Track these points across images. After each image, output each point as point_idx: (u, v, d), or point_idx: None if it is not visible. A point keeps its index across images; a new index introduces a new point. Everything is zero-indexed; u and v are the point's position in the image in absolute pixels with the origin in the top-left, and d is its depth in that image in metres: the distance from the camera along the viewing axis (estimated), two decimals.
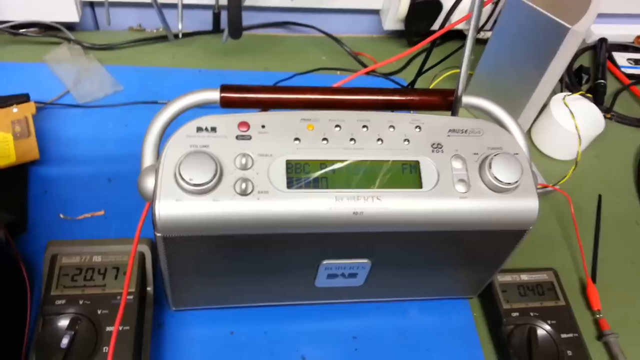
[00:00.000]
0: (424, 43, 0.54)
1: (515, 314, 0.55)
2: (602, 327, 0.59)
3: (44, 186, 0.60)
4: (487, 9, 0.83)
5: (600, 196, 0.72)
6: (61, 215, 0.58)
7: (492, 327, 0.57)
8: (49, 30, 0.75)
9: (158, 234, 0.40)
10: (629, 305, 0.62)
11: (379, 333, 0.55)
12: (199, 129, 0.42)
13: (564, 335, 0.55)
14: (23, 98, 0.61)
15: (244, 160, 0.41)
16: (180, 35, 0.77)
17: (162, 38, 0.78)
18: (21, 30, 0.73)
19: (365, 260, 0.47)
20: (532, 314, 0.55)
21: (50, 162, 0.61)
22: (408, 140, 0.44)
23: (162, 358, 0.49)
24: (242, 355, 0.51)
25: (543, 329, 0.55)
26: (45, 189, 0.60)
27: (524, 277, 0.59)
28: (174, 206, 0.39)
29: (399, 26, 0.82)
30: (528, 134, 0.78)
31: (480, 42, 0.78)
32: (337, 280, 0.49)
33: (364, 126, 0.44)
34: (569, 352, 0.54)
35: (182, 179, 0.39)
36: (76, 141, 0.64)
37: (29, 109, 0.60)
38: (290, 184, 0.41)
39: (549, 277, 0.59)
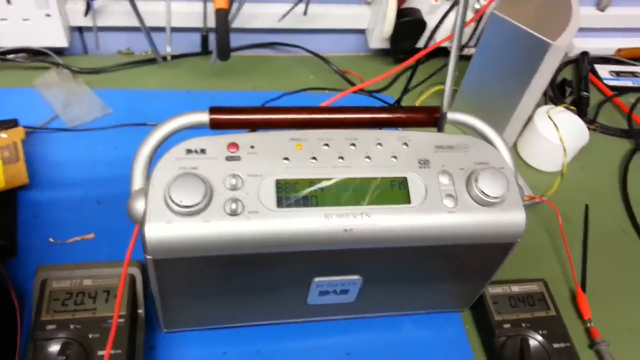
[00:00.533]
0: (409, 62, 0.55)
1: (507, 325, 0.56)
2: (593, 336, 0.59)
3: (34, 210, 0.60)
4: (471, 26, 0.84)
5: (587, 206, 0.73)
6: (51, 240, 0.57)
7: (485, 339, 0.57)
8: (37, 56, 0.75)
9: (148, 257, 0.40)
10: (619, 314, 0.63)
11: (372, 349, 0.55)
12: (189, 151, 0.42)
13: (555, 345, 0.55)
14: (12, 123, 0.61)
15: (233, 181, 0.41)
16: (168, 58, 0.78)
17: (150, 61, 0.79)
18: (10, 56, 0.73)
19: (356, 277, 0.47)
20: (523, 324, 0.56)
21: (39, 187, 0.61)
22: (396, 157, 0.45)
23: None
24: None
25: (535, 340, 0.55)
26: (35, 214, 0.59)
27: (515, 288, 0.59)
28: (164, 228, 0.39)
29: (385, 44, 0.84)
30: (514, 147, 0.80)
31: (464, 59, 0.80)
32: (329, 297, 0.49)
33: (352, 144, 0.45)
34: None
35: (172, 201, 0.39)
36: (65, 165, 0.64)
37: (17, 134, 0.60)
38: (280, 203, 0.41)
39: (539, 288, 0.60)
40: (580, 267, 0.66)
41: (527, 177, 0.75)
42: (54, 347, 0.44)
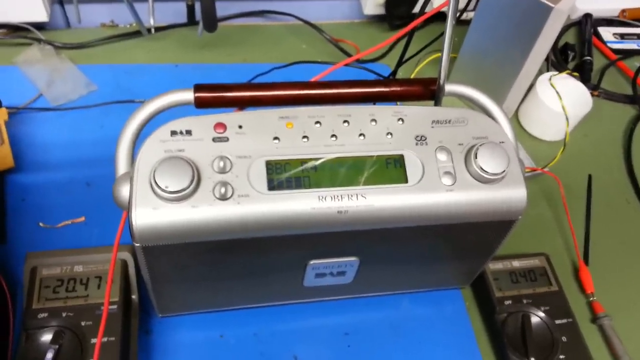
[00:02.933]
0: (405, 30, 0.52)
1: (508, 302, 0.55)
2: (596, 310, 0.58)
3: (22, 194, 0.58)
4: None
5: (590, 176, 0.72)
6: (41, 224, 0.56)
7: (485, 316, 0.57)
8: (18, 31, 0.72)
9: (136, 244, 0.39)
10: (622, 287, 0.62)
11: (371, 328, 0.54)
12: (173, 133, 0.40)
13: (558, 321, 0.54)
14: None
15: (222, 163, 0.40)
16: (153, 30, 0.75)
17: (135, 33, 0.75)
18: None
19: (353, 258, 0.46)
20: (525, 300, 0.55)
21: (26, 169, 0.59)
22: (391, 134, 0.43)
23: None
24: (233, 358, 0.50)
25: (537, 316, 0.54)
26: (23, 197, 0.58)
27: (516, 263, 0.58)
28: (151, 215, 0.38)
29: (380, 10, 0.80)
30: (515, 116, 0.77)
31: (463, 23, 0.76)
32: (325, 279, 0.48)
33: (345, 121, 0.43)
34: (564, 338, 0.53)
35: (158, 186, 0.38)
36: (52, 146, 0.62)
37: (0, 115, 0.57)
38: (271, 186, 0.40)
39: (541, 263, 0.59)
40: (582, 240, 0.65)
41: (528, 146, 0.73)
42: (47, 336, 0.43)
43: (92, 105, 0.66)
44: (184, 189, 0.38)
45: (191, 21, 0.78)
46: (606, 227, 0.66)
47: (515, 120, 0.77)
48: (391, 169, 0.42)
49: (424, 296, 0.57)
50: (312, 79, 0.47)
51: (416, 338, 0.54)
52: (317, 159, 0.41)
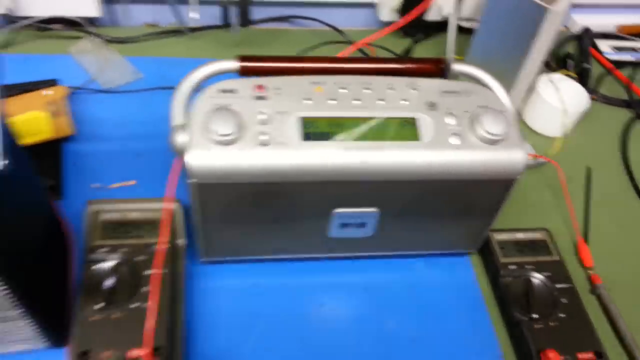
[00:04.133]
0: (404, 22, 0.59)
1: (512, 267, 0.60)
2: (594, 281, 0.63)
3: (77, 160, 0.64)
4: None
5: (589, 168, 0.77)
6: (94, 185, 0.62)
7: (492, 280, 0.61)
8: (72, 26, 0.81)
9: (191, 181, 0.45)
10: (620, 264, 0.66)
11: (389, 286, 0.59)
12: (222, 91, 0.48)
13: (558, 285, 0.59)
14: (52, 82, 0.67)
15: (262, 117, 0.47)
16: (192, 30, 0.84)
17: (175, 32, 0.84)
18: (48, 25, 0.79)
19: (373, 209, 0.52)
20: (527, 267, 0.60)
21: (81, 140, 0.66)
22: (406, 100, 0.50)
23: (192, 305, 0.54)
24: (266, 303, 0.56)
25: (539, 279, 0.59)
26: (78, 162, 0.64)
27: (519, 235, 0.63)
28: (205, 155, 0.45)
29: (395, 17, 0.89)
30: (518, 115, 0.84)
31: (469, 32, 0.84)
32: (348, 230, 0.54)
33: (366, 88, 0.50)
34: (564, 300, 0.58)
35: (211, 131, 0.45)
36: (104, 121, 0.69)
37: (60, 90, 0.65)
38: (304, 137, 0.47)
39: (543, 236, 0.64)
40: (582, 221, 0.70)
41: (531, 141, 0.79)
42: (106, 268, 0.50)
43: (139, 90, 0.74)
44: (231, 134, 0.45)
45: (225, 24, 0.86)
46: (605, 213, 0.71)
47: (518, 117, 0.84)
48: (406, 129, 0.49)
49: (437, 261, 0.62)
50: (338, 54, 0.54)
51: (430, 297, 0.59)
52: (343, 117, 0.48)
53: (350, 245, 0.56)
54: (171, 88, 0.74)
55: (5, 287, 0.40)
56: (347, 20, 0.93)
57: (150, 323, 0.46)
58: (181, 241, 0.55)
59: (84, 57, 0.77)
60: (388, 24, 0.92)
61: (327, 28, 0.90)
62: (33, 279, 0.43)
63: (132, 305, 0.48)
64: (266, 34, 0.89)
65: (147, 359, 0.45)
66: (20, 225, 0.42)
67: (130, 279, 0.49)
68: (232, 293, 0.56)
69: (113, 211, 0.54)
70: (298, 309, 0.56)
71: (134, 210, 0.54)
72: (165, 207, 0.53)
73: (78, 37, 0.80)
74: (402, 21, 0.59)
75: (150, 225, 0.53)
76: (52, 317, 0.47)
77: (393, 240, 0.57)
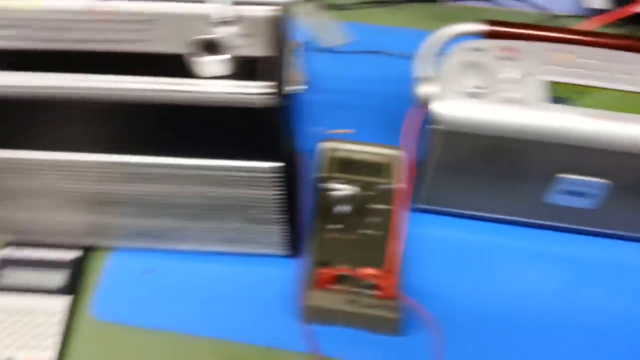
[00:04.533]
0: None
1: None
2: None
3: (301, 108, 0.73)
4: None
5: None
6: (316, 129, 0.69)
7: None
8: None
9: (439, 127, 0.50)
10: None
11: (596, 265, 0.59)
12: (472, 49, 0.52)
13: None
14: None
15: (508, 76, 0.50)
16: (397, 3, 0.89)
17: (383, 2, 0.90)
18: None
19: (605, 181, 0.52)
20: None
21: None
22: None
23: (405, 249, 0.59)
24: (470, 256, 0.60)
25: None
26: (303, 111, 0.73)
27: None
28: (452, 106, 0.49)
29: (601, 4, 0.86)
30: None
31: None
32: (567, 198, 0.54)
33: (612, 61, 0.51)
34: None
35: (460, 84, 0.49)
36: (325, 76, 0.77)
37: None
38: (547, 99, 0.49)
39: None
40: None
41: None
42: (339, 196, 0.57)
43: (352, 51, 0.81)
44: (481, 88, 0.49)
45: None
46: None
47: None
48: None
49: None
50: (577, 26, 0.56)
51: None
52: (588, 86, 0.50)
53: (565, 216, 0.57)
54: (379, 52, 0.82)
55: (283, 190, 0.48)
56: (547, 3, 0.91)
57: (392, 246, 0.53)
58: (402, 185, 0.61)
59: (307, 20, 0.85)
60: (595, 11, 0.90)
61: (528, 10, 0.90)
62: (292, 191, 0.51)
63: (361, 231, 0.55)
64: (469, 10, 0.91)
65: (389, 276, 0.51)
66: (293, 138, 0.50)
67: (358, 209, 0.56)
68: (442, 242, 0.60)
69: (344, 150, 0.61)
70: (499, 270, 0.59)
71: (362, 152, 0.61)
72: (397, 152, 0.60)
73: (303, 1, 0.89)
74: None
75: (378, 166, 0.59)
76: (295, 229, 0.55)
77: (612, 218, 0.57)
